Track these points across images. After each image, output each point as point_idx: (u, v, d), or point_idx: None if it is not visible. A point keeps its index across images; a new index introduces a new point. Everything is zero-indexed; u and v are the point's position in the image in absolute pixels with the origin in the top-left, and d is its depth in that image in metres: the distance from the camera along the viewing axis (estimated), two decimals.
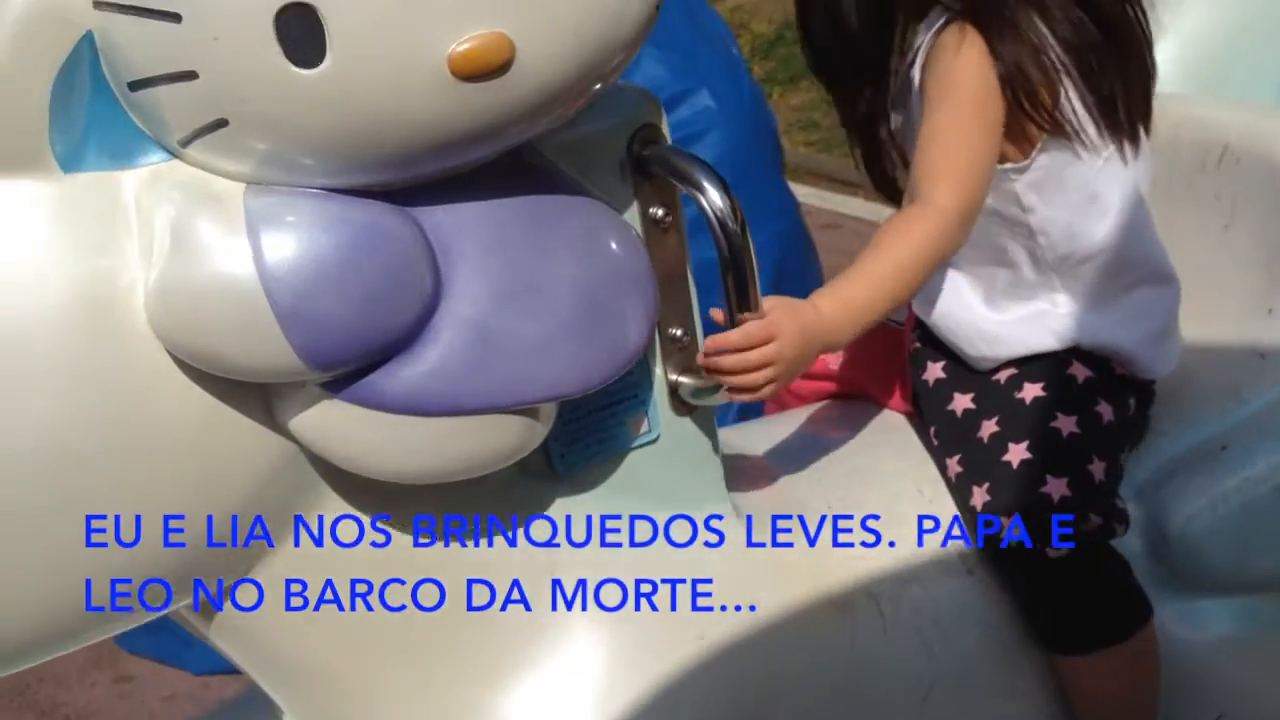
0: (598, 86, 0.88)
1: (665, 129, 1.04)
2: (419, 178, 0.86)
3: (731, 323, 1.03)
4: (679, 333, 1.07)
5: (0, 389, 0.81)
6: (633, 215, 1.03)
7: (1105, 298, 1.30)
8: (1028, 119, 1.21)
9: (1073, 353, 1.29)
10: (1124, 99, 1.26)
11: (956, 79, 1.19)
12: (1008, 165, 1.24)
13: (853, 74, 1.32)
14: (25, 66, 0.79)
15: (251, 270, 0.79)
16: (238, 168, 0.82)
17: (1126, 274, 1.31)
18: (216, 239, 0.80)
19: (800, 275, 2.16)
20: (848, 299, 1.12)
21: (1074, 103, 1.23)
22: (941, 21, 1.22)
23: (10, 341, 0.81)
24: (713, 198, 0.98)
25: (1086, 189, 1.26)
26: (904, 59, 1.28)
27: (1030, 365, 1.30)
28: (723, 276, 1.02)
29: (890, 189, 1.36)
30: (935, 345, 1.34)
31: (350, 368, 0.85)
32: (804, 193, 2.39)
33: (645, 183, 1.03)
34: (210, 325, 0.81)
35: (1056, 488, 1.23)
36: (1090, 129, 1.24)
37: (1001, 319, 1.31)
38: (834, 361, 1.41)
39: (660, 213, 1.04)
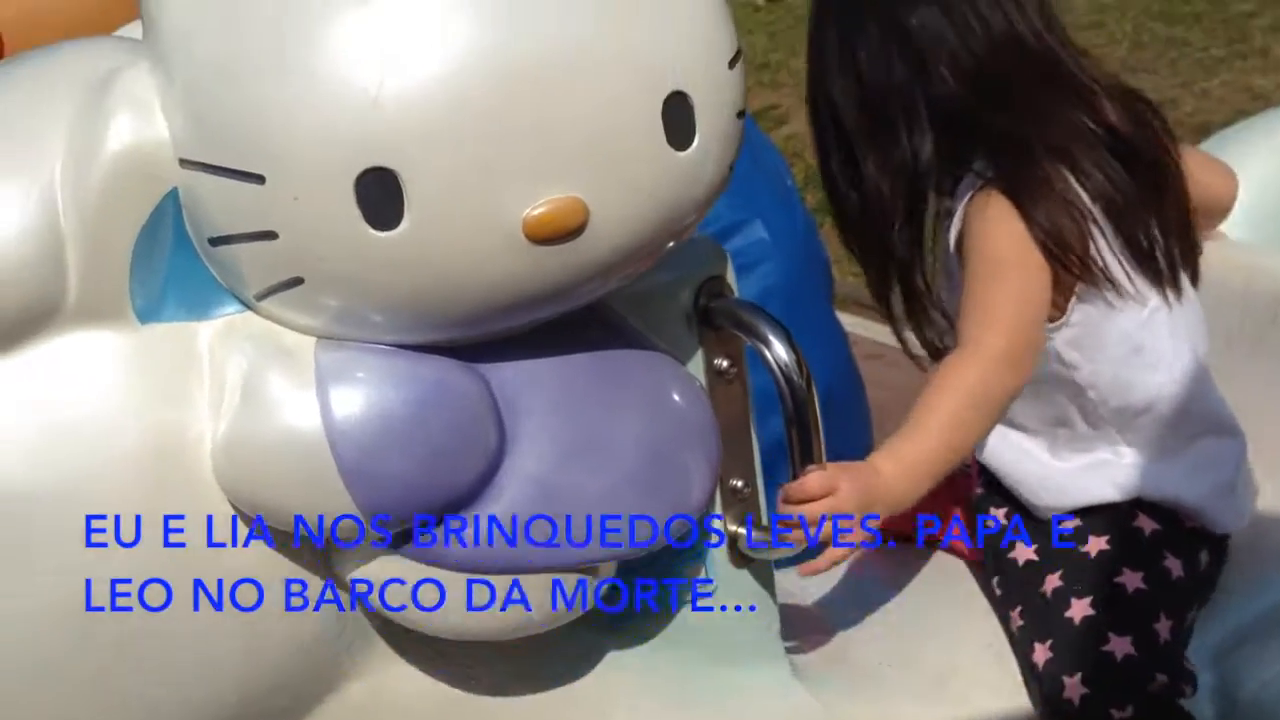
0: (671, 245, 0.88)
1: (732, 280, 1.04)
2: (488, 335, 0.86)
3: (794, 477, 1.02)
4: (740, 484, 1.06)
5: (69, 536, 0.81)
6: (697, 365, 1.03)
7: (1167, 449, 1.28)
8: (1064, 270, 1.21)
9: (1138, 504, 1.27)
10: (1163, 247, 1.25)
11: (995, 247, 1.19)
12: (1045, 323, 1.23)
13: (882, 246, 1.30)
14: (110, 220, 0.80)
15: (318, 425, 0.80)
16: (311, 322, 0.83)
17: (1187, 425, 1.29)
18: (286, 392, 0.81)
19: (848, 405, 2.14)
20: (906, 458, 1.11)
21: (1105, 253, 1.22)
22: (975, 189, 1.22)
23: (81, 491, 0.81)
24: (778, 352, 0.98)
25: (1129, 341, 1.25)
26: (941, 226, 1.29)
27: (1095, 517, 1.27)
28: (786, 430, 1.01)
29: (932, 350, 1.34)
30: (999, 491, 1.32)
31: (411, 524, 0.84)
32: (849, 322, 2.39)
33: (710, 334, 1.03)
34: (275, 478, 0.81)
35: (1120, 646, 1.20)
36: (1124, 278, 1.23)
37: (1064, 467, 1.29)
38: None
39: (725, 364, 1.04)
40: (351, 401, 0.80)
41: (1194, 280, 1.29)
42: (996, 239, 1.19)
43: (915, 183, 1.24)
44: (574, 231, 0.79)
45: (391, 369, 0.82)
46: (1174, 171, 1.28)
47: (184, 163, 0.79)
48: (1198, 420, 1.30)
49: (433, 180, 0.76)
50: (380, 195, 0.75)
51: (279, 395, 0.81)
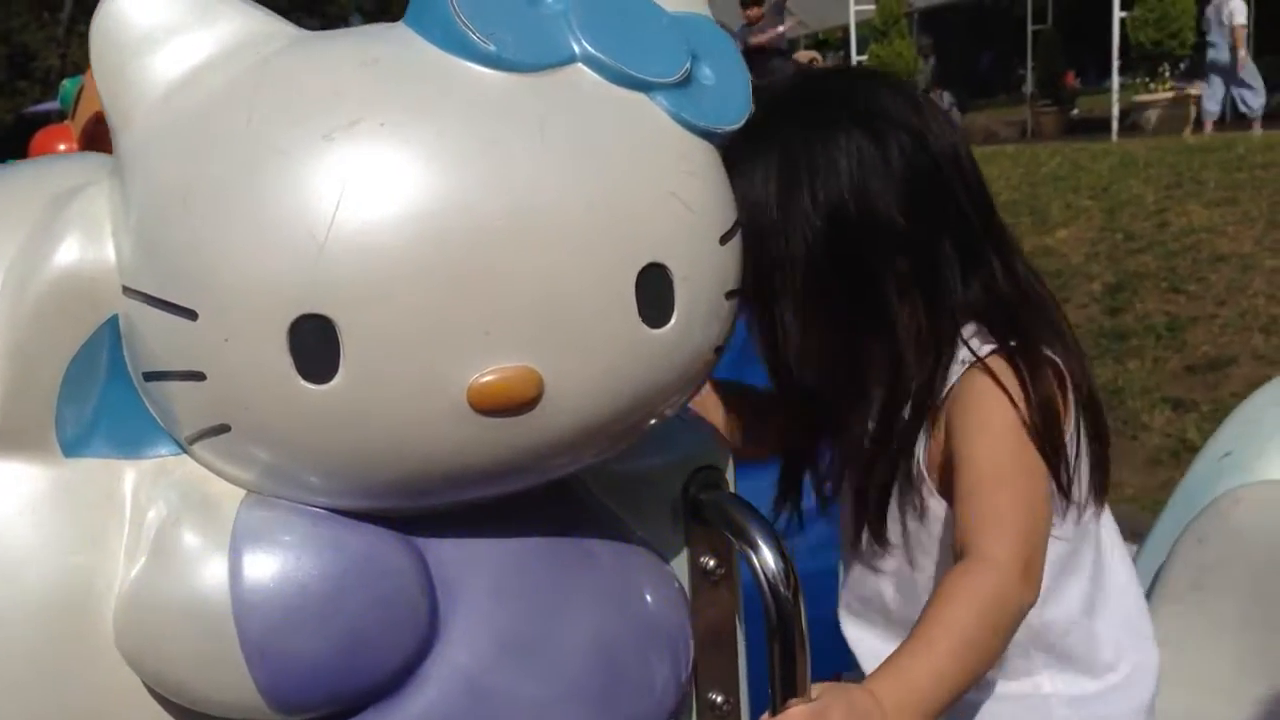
0: (645, 425, 0.81)
1: (729, 472, 0.96)
2: (431, 508, 0.78)
3: (774, 704, 0.90)
4: (719, 699, 0.96)
5: None
6: (680, 563, 0.94)
7: (1090, 670, 1.21)
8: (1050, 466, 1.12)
9: None
10: (1104, 458, 1.20)
11: (999, 443, 1.09)
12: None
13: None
14: (43, 342, 0.75)
15: (225, 593, 0.72)
16: (240, 474, 0.76)
17: (1107, 648, 1.21)
18: (196, 551, 0.74)
19: None
20: (913, 681, 0.98)
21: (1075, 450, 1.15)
22: (963, 369, 1.13)
23: None
24: (766, 559, 0.88)
25: (1059, 561, 1.17)
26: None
27: None
28: (768, 646, 0.91)
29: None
30: None
31: (320, 713, 0.76)
32: None
33: (698, 529, 0.94)
34: (173, 647, 0.74)
35: None
36: (1083, 484, 1.16)
37: (983, 698, 1.20)
38: None
39: (711, 563, 0.95)
40: (265, 570, 0.73)
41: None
42: (1001, 432, 1.10)
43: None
44: (525, 404, 0.72)
45: (316, 536, 0.75)
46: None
47: (126, 290, 0.74)
48: (1115, 640, 1.22)
49: (372, 334, 0.69)
50: (315, 345, 0.69)
51: (189, 553, 0.74)
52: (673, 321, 0.76)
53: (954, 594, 1.06)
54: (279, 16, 0.78)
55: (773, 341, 1.12)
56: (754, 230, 1.02)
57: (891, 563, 1.20)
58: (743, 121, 0.81)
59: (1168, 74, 11.40)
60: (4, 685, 0.75)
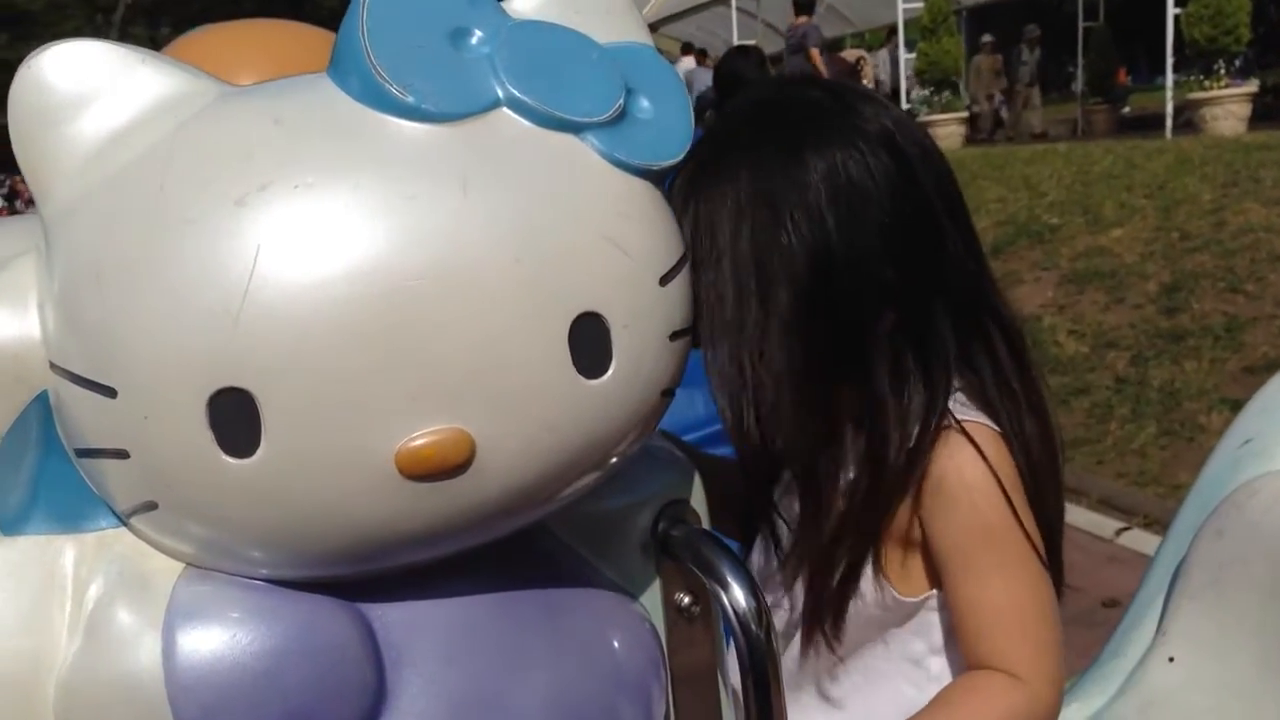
0: (591, 478, 0.78)
1: (700, 504, 0.93)
2: (376, 573, 0.76)
3: None
4: None
5: None
6: (655, 602, 0.91)
7: None
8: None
9: None
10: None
11: (997, 519, 1.03)
12: (927, 594, 1.07)
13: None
14: None
15: (159, 675, 0.70)
16: (176, 548, 0.75)
17: None
18: (129, 631, 0.72)
19: None
20: None
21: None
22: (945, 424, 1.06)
23: None
24: (736, 597, 0.85)
25: None
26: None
27: None
28: (742, 683, 0.88)
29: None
30: None
31: None
32: None
33: (671, 565, 0.91)
34: None
35: None
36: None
37: None
38: None
39: (686, 600, 0.92)
40: (200, 649, 0.71)
41: None
42: (1000, 512, 1.04)
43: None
44: (456, 468, 0.69)
45: (253, 610, 0.72)
46: None
47: (52, 366, 0.73)
48: None
49: (292, 405, 0.67)
50: (235, 419, 0.67)
51: (122, 633, 0.72)
52: (611, 371, 0.73)
53: (978, 707, 1.01)
54: (204, 74, 0.77)
55: (738, 403, 1.04)
56: (715, 278, 0.97)
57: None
58: (683, 155, 0.79)
59: (1222, 71, 11.19)
60: None
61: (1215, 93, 11.16)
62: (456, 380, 0.69)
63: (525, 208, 0.71)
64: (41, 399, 0.75)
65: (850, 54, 15.09)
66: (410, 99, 0.71)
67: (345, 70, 0.73)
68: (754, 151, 1.03)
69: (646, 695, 0.84)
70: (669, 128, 0.78)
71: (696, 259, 0.98)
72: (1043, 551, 1.05)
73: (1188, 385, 5.46)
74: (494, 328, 0.69)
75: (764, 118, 1.07)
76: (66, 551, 0.76)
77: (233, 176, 0.69)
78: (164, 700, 0.70)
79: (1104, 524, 4.54)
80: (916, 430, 1.03)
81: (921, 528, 1.05)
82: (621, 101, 0.76)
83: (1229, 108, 11.07)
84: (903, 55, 15.81)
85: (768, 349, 1.01)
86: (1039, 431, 1.08)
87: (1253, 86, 11.34)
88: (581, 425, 0.73)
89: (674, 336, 0.78)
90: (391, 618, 0.76)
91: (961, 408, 1.06)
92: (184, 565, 0.75)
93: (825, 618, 1.08)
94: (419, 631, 0.77)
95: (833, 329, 1.01)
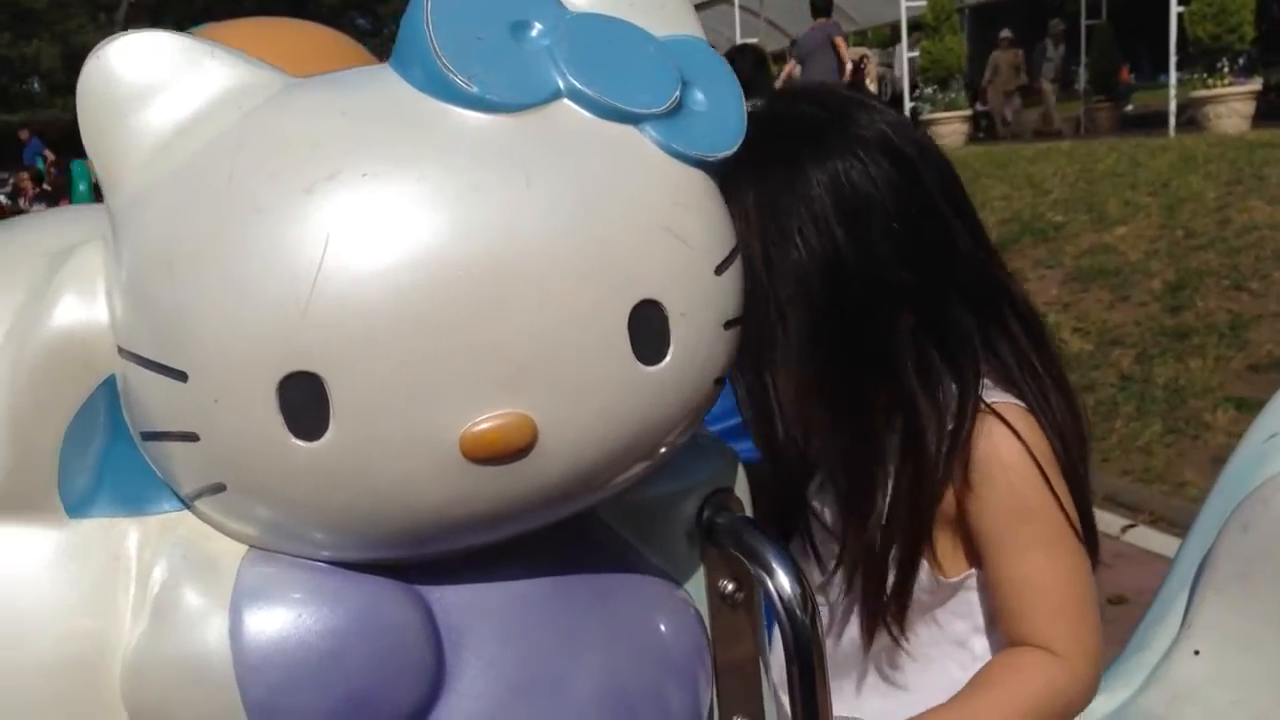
0: (647, 463, 0.80)
1: (744, 492, 0.94)
2: (436, 556, 0.77)
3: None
4: None
5: None
6: (699, 588, 0.92)
7: None
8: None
9: None
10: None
11: (1039, 502, 1.05)
12: (966, 573, 1.09)
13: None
14: (41, 406, 0.75)
15: (227, 655, 0.72)
16: (242, 530, 0.76)
17: None
18: (197, 612, 0.73)
19: None
20: None
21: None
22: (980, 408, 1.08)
23: None
24: (781, 583, 0.86)
25: None
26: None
27: None
28: (787, 670, 0.89)
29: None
30: None
31: None
32: None
33: (715, 552, 0.92)
34: (178, 711, 0.73)
35: None
36: None
37: None
38: None
39: (730, 587, 0.93)
40: (266, 629, 0.72)
41: None
42: (1037, 489, 1.05)
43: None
44: (519, 451, 0.70)
45: (317, 592, 0.74)
46: None
47: (120, 351, 0.74)
48: None
49: (361, 389, 0.68)
50: (304, 402, 0.69)
51: (190, 614, 0.73)
52: (669, 358, 0.74)
53: (1011, 674, 1.03)
54: (268, 65, 0.78)
55: (767, 415, 1.05)
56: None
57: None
58: (737, 147, 0.80)
59: (1226, 69, 11.20)
60: None
61: (1219, 90, 11.18)
62: (520, 366, 0.70)
63: (586, 197, 0.72)
64: (109, 384, 0.76)
65: (854, 52, 15.08)
66: (475, 89, 0.72)
67: (408, 61, 0.74)
68: (754, 168, 1.03)
69: (694, 681, 0.86)
70: (723, 119, 0.79)
71: None
72: (1079, 528, 1.06)
73: (1193, 383, 5.48)
74: (556, 315, 0.70)
75: (759, 133, 1.08)
76: (130, 534, 0.78)
77: (301, 166, 0.70)
78: (231, 680, 0.71)
79: (1110, 521, 4.56)
80: (952, 420, 1.05)
81: (959, 508, 1.07)
82: (678, 93, 0.77)
83: (1233, 105, 11.09)
84: (905, 53, 15.79)
85: (790, 360, 1.02)
86: (1065, 405, 1.10)
87: (1256, 84, 11.36)
88: (639, 411, 0.74)
89: (727, 325, 0.79)
90: (450, 601, 0.78)
91: (989, 391, 1.08)
92: (247, 548, 0.76)
93: (888, 610, 1.09)
94: (477, 615, 0.78)
95: (853, 334, 1.03)
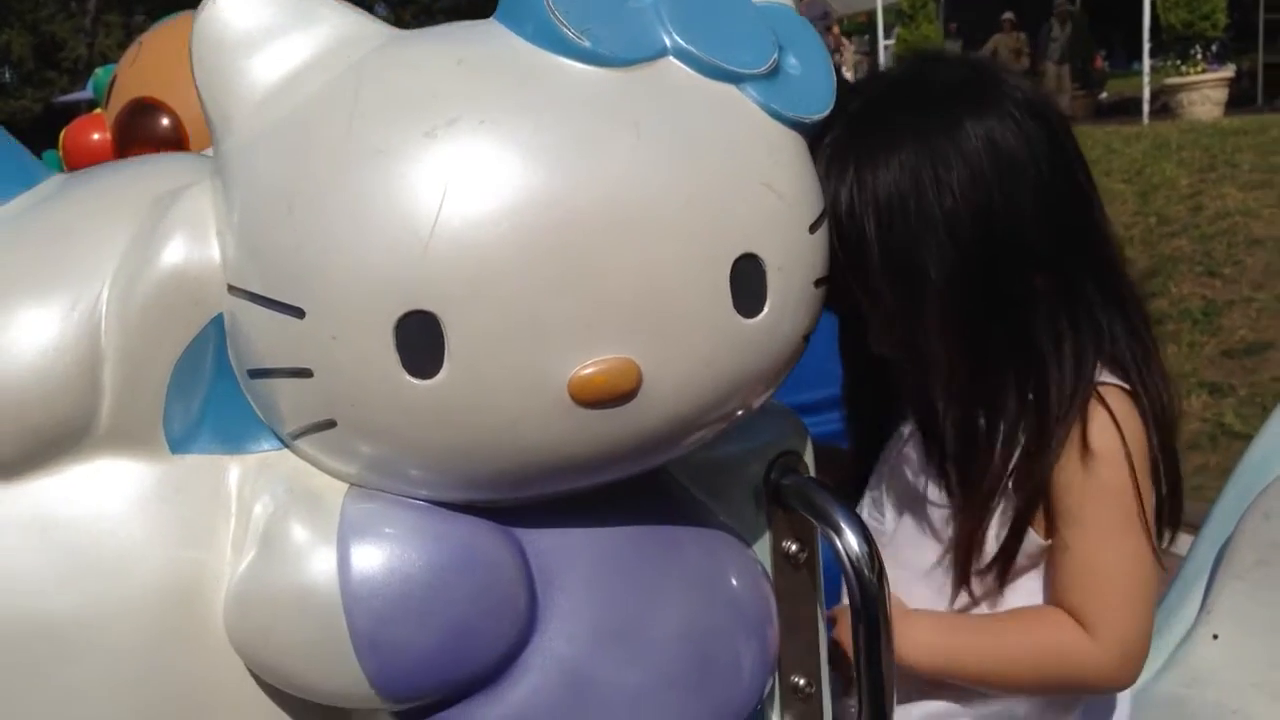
0: (731, 418, 0.82)
1: (809, 457, 0.97)
2: (529, 499, 0.80)
3: (860, 686, 0.92)
4: (801, 682, 0.97)
5: (71, 676, 0.76)
6: (763, 546, 0.95)
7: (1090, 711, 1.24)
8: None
9: None
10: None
11: (1100, 472, 1.08)
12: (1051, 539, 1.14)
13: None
14: (152, 342, 0.76)
15: (334, 585, 0.73)
16: (343, 468, 0.78)
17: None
18: (305, 544, 0.75)
19: None
20: (937, 642, 1.10)
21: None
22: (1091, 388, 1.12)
23: (88, 627, 0.76)
24: (849, 542, 0.89)
25: None
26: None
27: None
28: (853, 628, 0.92)
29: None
30: None
31: (425, 700, 0.77)
32: None
33: (781, 514, 0.95)
34: (283, 638, 0.75)
35: None
36: None
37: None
38: None
39: (794, 548, 0.96)
40: (372, 561, 0.74)
41: None
42: (1120, 476, 1.09)
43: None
44: (625, 396, 0.73)
45: (420, 527, 0.76)
46: None
47: (231, 289, 0.76)
48: None
49: (477, 329, 0.70)
50: (420, 341, 0.70)
51: (298, 546, 0.75)
52: (765, 311, 0.77)
53: (1035, 621, 1.08)
54: (372, 16, 0.80)
55: (917, 356, 1.09)
56: (885, 242, 1.01)
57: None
58: (829, 111, 0.82)
59: (1199, 56, 11.30)
60: (118, 679, 0.77)
61: (1192, 78, 11.28)
62: (627, 312, 0.72)
63: (693, 151, 0.74)
64: (216, 323, 0.77)
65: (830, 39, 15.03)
66: (587, 44, 0.73)
67: (519, 16, 0.75)
68: (912, 121, 1.07)
69: (763, 634, 0.88)
70: (816, 83, 0.82)
71: (858, 221, 1.02)
72: (1153, 527, 1.10)
73: (1167, 368, 5.56)
74: (663, 264, 0.72)
75: (916, 93, 1.11)
76: (231, 470, 0.79)
77: (421, 111, 0.72)
78: (338, 609, 0.73)
79: None
80: (1071, 387, 1.09)
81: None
82: (776, 56, 0.79)
83: (1206, 93, 11.21)
84: (881, 42, 15.78)
85: (930, 307, 1.05)
86: (1164, 387, 1.13)
87: (1229, 71, 11.47)
88: (736, 361, 0.77)
89: (817, 284, 0.81)
90: (541, 544, 0.80)
91: (1097, 371, 1.11)
92: (348, 485, 0.78)
93: (990, 571, 1.13)
94: (565, 559, 0.80)
95: (993, 289, 1.06)
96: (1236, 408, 5.08)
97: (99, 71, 2.60)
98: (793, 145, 0.80)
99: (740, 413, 0.81)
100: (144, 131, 1.95)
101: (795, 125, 0.80)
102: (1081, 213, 1.11)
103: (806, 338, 0.83)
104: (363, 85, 0.74)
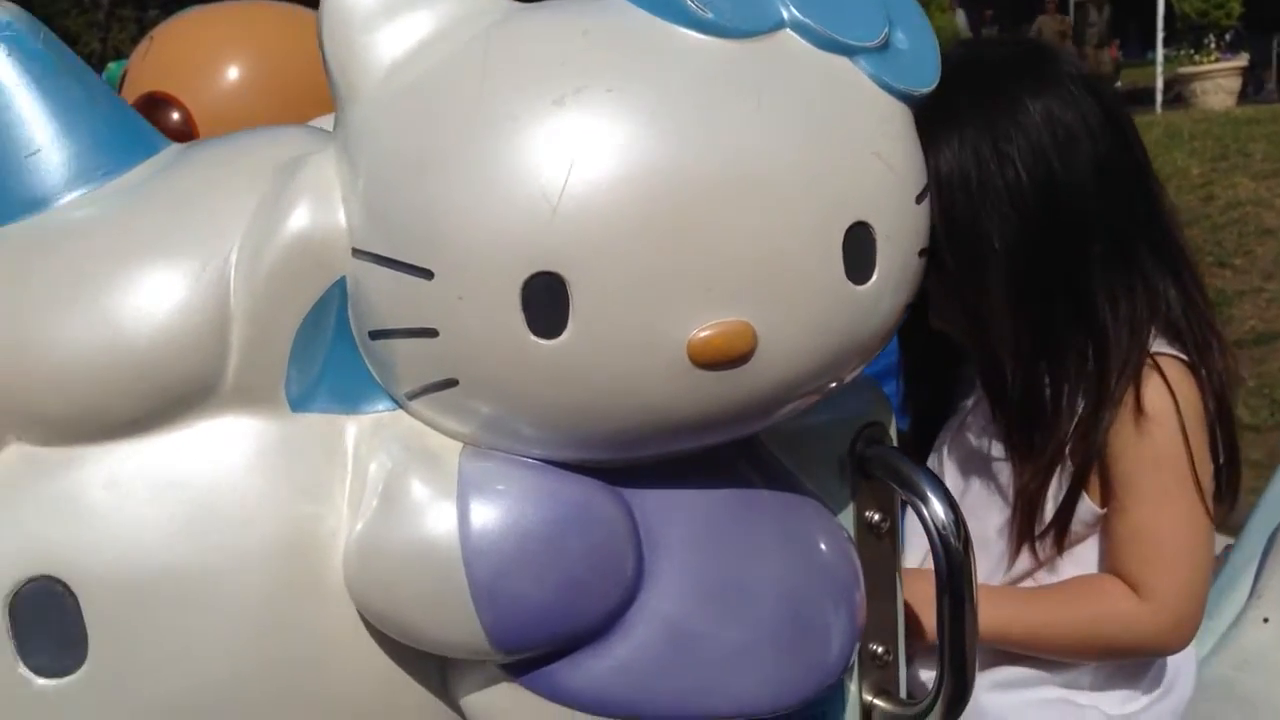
0: (834, 385, 0.84)
1: (893, 429, 0.99)
2: (639, 459, 0.81)
3: (942, 656, 0.94)
4: (880, 649, 0.99)
5: (193, 626, 0.78)
6: (846, 516, 0.97)
7: (1140, 685, 1.26)
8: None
9: None
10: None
11: (1156, 439, 1.11)
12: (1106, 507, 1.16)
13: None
14: (278, 304, 0.78)
15: (455, 538, 0.76)
16: (459, 428, 0.80)
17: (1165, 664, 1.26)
18: (426, 499, 0.77)
19: None
20: (988, 614, 1.07)
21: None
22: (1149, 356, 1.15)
23: (210, 579, 0.78)
24: (935, 510, 0.91)
25: None
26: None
27: None
28: (938, 598, 0.94)
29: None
30: None
31: (536, 653, 0.79)
32: None
33: (864, 484, 0.97)
34: (404, 589, 0.77)
35: None
36: None
37: (1014, 700, 1.23)
38: None
39: (876, 518, 0.98)
40: (490, 516, 0.76)
41: None
42: (1175, 444, 1.11)
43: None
44: (741, 358, 0.75)
45: (535, 485, 0.78)
46: None
47: (356, 252, 0.78)
48: None
49: (601, 290, 0.72)
50: (546, 301, 0.72)
51: (418, 501, 0.77)
52: (874, 278, 0.79)
53: (1089, 589, 1.10)
54: None
55: (981, 325, 1.13)
56: (950, 215, 1.04)
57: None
58: (936, 84, 0.83)
59: (1213, 45, 11.29)
60: (238, 629, 0.79)
61: (1206, 67, 11.28)
62: (745, 276, 0.74)
63: (810, 121, 0.76)
64: (339, 286, 0.79)
65: None
66: (710, 15, 0.75)
67: None
68: (973, 98, 1.10)
69: (851, 599, 0.90)
70: (924, 57, 0.83)
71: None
72: (1208, 494, 1.12)
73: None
74: (780, 230, 0.74)
75: (974, 74, 1.14)
76: (348, 430, 0.81)
77: (550, 79, 0.73)
78: (458, 563, 0.75)
79: None
80: (1127, 351, 1.11)
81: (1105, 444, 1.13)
82: (887, 30, 0.80)
83: (1219, 82, 11.20)
84: None
85: (995, 276, 1.07)
86: (1222, 355, 1.15)
87: (1243, 60, 11.46)
88: (846, 327, 0.79)
89: (920, 254, 0.83)
90: (646, 504, 0.82)
91: (1153, 340, 1.12)
92: (461, 445, 0.80)
93: (1047, 536, 1.15)
94: (669, 519, 0.83)
95: (1053, 257, 1.08)
96: (1246, 398, 5.10)
97: (111, 66, 2.60)
98: (901, 117, 0.82)
99: (846, 378, 0.83)
100: (155, 125, 1.96)
101: (903, 97, 0.82)
102: (1137, 183, 1.14)
103: (906, 308, 0.85)
104: (491, 53, 0.76)
